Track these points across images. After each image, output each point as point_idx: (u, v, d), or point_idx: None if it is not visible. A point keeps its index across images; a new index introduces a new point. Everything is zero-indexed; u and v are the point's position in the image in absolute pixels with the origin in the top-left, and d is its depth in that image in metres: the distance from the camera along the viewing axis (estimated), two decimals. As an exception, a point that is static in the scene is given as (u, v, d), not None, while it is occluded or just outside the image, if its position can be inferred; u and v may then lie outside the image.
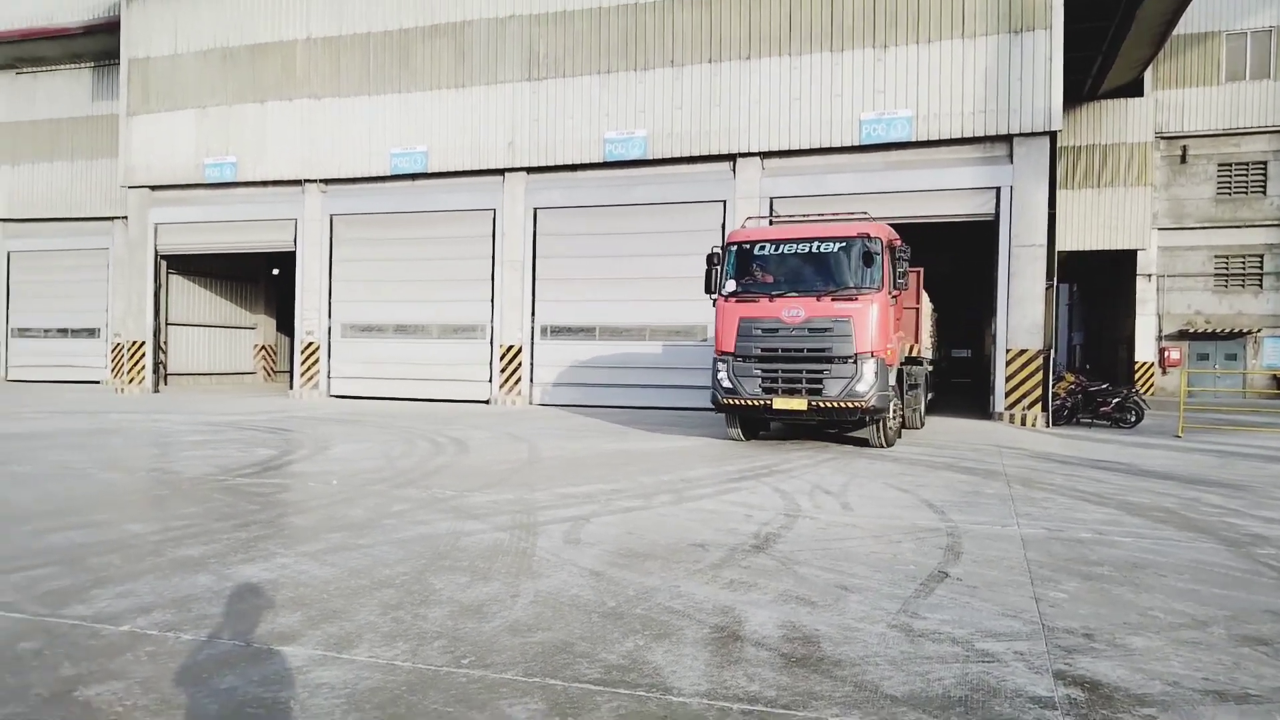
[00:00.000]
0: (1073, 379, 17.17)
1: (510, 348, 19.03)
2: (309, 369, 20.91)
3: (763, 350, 11.26)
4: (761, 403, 11.22)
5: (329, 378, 20.80)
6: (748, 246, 11.65)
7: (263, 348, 29.16)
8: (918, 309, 12.81)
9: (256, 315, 28.67)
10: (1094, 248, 25.85)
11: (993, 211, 15.65)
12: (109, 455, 10.00)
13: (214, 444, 11.22)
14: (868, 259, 10.91)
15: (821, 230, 11.57)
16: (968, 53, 15.37)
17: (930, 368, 15.75)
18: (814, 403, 10.86)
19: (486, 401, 19.28)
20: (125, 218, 23.31)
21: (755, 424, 12.64)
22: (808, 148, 16.49)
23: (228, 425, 13.73)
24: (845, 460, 10.24)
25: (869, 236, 10.97)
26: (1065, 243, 25.28)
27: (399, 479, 8.44)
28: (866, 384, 10.63)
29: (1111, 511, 7.18)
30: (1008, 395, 15.63)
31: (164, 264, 23.08)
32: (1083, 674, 3.53)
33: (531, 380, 19.00)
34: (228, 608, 4.21)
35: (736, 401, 11.43)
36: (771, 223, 15.10)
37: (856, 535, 6.10)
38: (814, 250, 11.26)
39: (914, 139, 15.77)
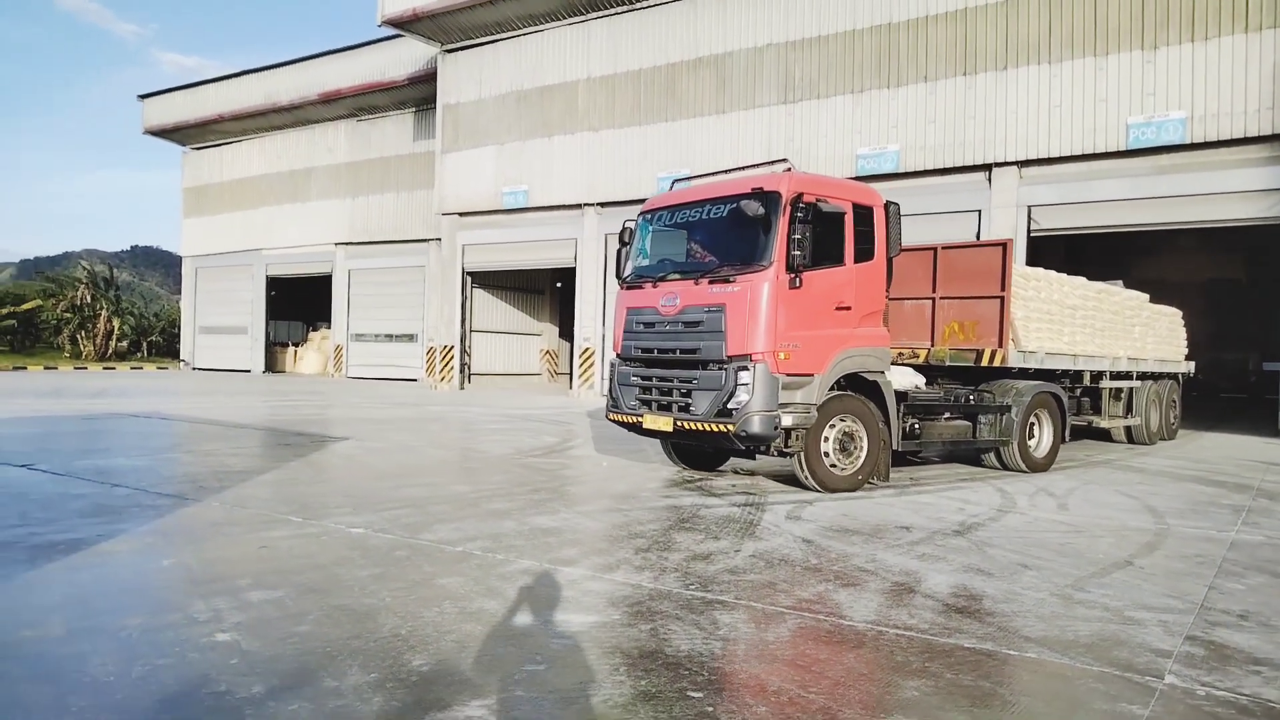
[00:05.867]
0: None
1: (764, 355, 20.10)
2: (585, 371, 23.35)
3: (641, 350, 8.66)
4: (636, 419, 8.57)
5: (603, 379, 23.08)
6: (650, 216, 9.04)
7: (547, 352, 32.49)
8: (1002, 298, 9.80)
9: (542, 323, 32.02)
10: None
11: (1283, 214, 14.50)
12: (433, 437, 12.40)
13: (510, 431, 13.39)
14: (764, 224, 7.74)
15: (714, 189, 8.59)
16: (1250, 47, 14.35)
17: (1173, 380, 14.51)
18: (680, 422, 8.05)
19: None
20: (439, 240, 27.24)
21: (702, 451, 9.44)
22: (1068, 155, 16.12)
23: (520, 417, 16.07)
24: (1084, 469, 10.34)
25: (762, 192, 7.82)
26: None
27: (657, 464, 9.88)
28: (740, 400, 7.57)
29: (1358, 528, 7.02)
30: (1300, 412, 14.40)
31: (469, 279, 26.74)
32: (1214, 639, 4.06)
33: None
34: (526, 542, 5.73)
35: (618, 418, 8.86)
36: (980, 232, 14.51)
37: (1059, 530, 6.60)
38: (704, 216, 8.45)
39: (1188, 141, 14.95)
